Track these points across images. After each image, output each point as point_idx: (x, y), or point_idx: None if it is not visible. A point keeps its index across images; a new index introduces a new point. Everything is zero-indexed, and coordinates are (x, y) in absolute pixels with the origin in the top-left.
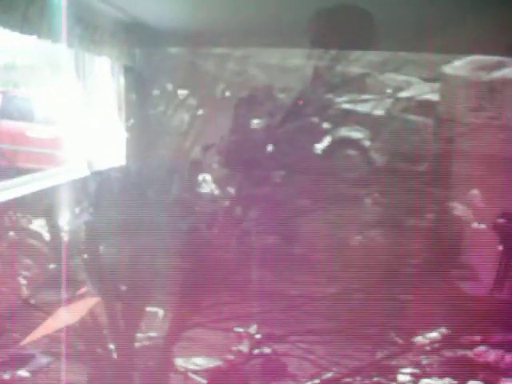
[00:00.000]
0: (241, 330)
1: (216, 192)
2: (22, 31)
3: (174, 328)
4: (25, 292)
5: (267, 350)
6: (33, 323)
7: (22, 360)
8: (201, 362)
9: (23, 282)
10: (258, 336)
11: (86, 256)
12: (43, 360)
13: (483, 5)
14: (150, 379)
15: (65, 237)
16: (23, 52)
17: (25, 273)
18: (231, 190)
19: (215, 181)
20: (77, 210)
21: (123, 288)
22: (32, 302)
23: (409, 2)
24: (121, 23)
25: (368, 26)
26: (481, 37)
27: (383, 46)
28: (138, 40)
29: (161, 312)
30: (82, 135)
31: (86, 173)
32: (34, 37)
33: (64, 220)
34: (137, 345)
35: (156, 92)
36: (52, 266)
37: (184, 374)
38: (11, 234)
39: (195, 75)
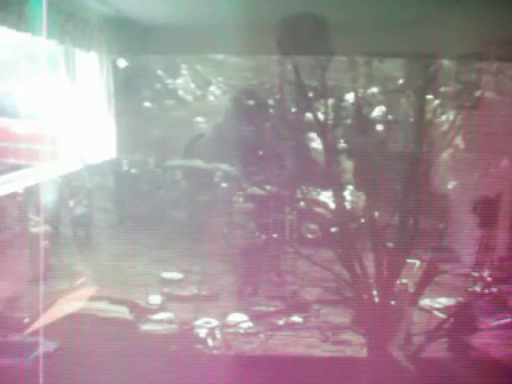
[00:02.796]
0: (476, 274)
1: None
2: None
3: (426, 275)
4: None
5: (494, 290)
6: None
7: (28, 347)
8: (443, 301)
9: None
10: (488, 279)
11: None
12: (50, 346)
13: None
14: (397, 316)
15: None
16: (1, 47)
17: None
18: None
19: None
20: None
21: (390, 245)
22: None
23: None
24: (110, 19)
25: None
26: None
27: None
28: (127, 36)
29: (417, 263)
30: (71, 130)
31: (77, 167)
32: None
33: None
34: (395, 290)
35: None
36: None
37: (429, 311)
38: (302, 203)
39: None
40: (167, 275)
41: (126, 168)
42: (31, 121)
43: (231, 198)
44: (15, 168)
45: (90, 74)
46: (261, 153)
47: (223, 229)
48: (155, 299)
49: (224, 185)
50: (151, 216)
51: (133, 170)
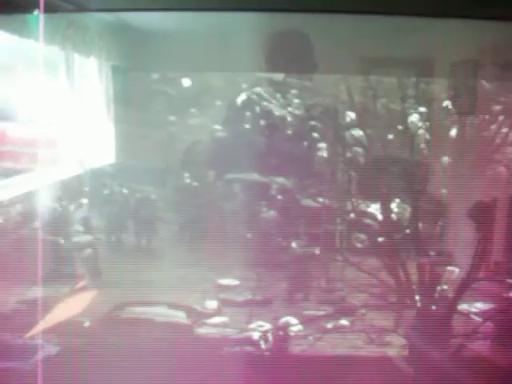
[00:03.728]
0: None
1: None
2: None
3: (464, 281)
4: None
5: None
6: None
7: (30, 350)
8: (480, 306)
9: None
10: None
11: None
12: (51, 350)
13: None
14: (438, 319)
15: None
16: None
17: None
18: None
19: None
20: None
21: (432, 253)
22: None
23: None
24: (109, 24)
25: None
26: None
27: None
28: (126, 41)
29: (456, 270)
30: (71, 134)
31: (77, 171)
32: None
33: None
34: (436, 295)
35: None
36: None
37: (466, 315)
38: (351, 215)
39: None
40: (224, 281)
41: (187, 181)
42: (30, 125)
43: (286, 210)
44: (13, 172)
45: (89, 79)
46: (315, 168)
47: (277, 238)
48: (211, 304)
49: (279, 197)
50: (210, 227)
51: (194, 183)
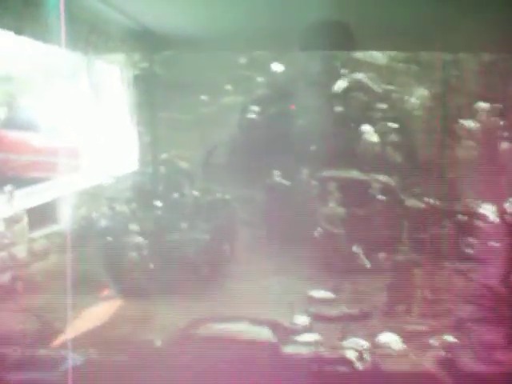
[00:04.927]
0: None
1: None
2: (18, 32)
3: None
4: None
5: None
6: None
7: (54, 361)
8: None
9: None
10: None
11: None
12: (76, 360)
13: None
14: None
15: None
16: (19, 63)
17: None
18: None
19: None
20: None
21: None
22: None
23: None
24: (132, 31)
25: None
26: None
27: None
28: (148, 47)
29: None
30: (93, 142)
31: (100, 179)
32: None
33: None
34: None
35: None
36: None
37: None
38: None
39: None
40: (316, 293)
41: (277, 179)
42: (52, 134)
43: (388, 211)
44: (36, 181)
45: (112, 85)
46: (421, 164)
47: (377, 244)
48: (301, 319)
49: (381, 197)
50: (302, 229)
51: (284, 181)
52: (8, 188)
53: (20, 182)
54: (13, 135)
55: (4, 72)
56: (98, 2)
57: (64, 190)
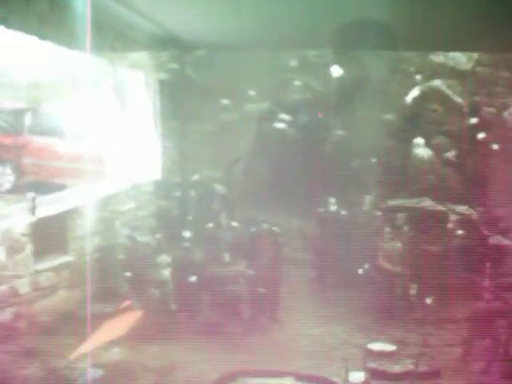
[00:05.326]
0: None
1: None
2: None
3: None
4: None
5: None
6: None
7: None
8: None
9: None
10: None
11: None
12: (95, 374)
13: None
14: None
15: None
16: (45, 70)
17: None
18: None
19: None
20: None
21: None
22: None
23: None
24: (158, 38)
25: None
26: None
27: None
28: (173, 53)
29: None
30: (118, 149)
31: (125, 186)
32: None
33: None
34: None
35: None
36: None
37: None
38: None
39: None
40: (375, 346)
41: (333, 208)
42: (77, 140)
43: (468, 249)
44: (60, 187)
45: (137, 93)
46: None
47: (454, 289)
48: (357, 376)
49: (460, 231)
50: (360, 270)
51: (342, 212)
52: (31, 195)
53: (44, 188)
54: (38, 141)
55: (30, 78)
56: (124, 7)
57: (87, 198)
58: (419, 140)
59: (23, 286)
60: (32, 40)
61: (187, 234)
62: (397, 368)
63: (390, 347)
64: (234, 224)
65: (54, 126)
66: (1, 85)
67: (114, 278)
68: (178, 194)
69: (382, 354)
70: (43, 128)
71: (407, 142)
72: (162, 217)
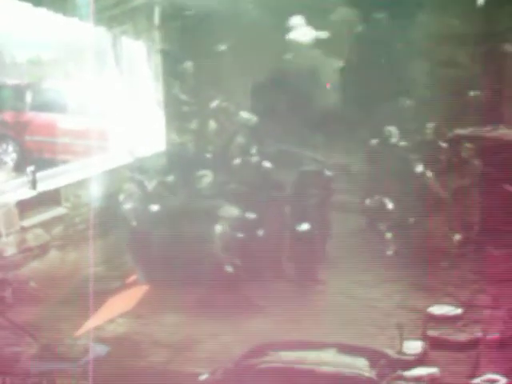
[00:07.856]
0: None
1: None
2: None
3: None
4: None
5: None
6: None
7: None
8: None
9: None
10: None
11: None
12: (100, 350)
13: None
14: None
15: None
16: (47, 46)
17: None
18: None
19: None
20: None
21: None
22: None
23: None
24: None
25: None
26: None
27: None
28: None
29: None
30: (120, 123)
31: (127, 160)
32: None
33: None
34: None
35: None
36: None
37: None
38: None
39: None
40: (437, 310)
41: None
42: (79, 115)
43: None
44: (63, 163)
45: (138, 63)
46: None
47: None
48: (413, 346)
49: None
50: (419, 217)
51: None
52: (30, 169)
53: (47, 164)
54: (41, 117)
55: (30, 55)
56: None
57: (91, 172)
58: None
59: (8, 247)
60: (31, 11)
61: (206, 173)
62: (462, 336)
63: (455, 311)
64: (267, 165)
65: (56, 102)
66: (1, 62)
67: (118, 235)
68: (193, 126)
69: (444, 320)
70: (45, 104)
71: None
72: (175, 158)
